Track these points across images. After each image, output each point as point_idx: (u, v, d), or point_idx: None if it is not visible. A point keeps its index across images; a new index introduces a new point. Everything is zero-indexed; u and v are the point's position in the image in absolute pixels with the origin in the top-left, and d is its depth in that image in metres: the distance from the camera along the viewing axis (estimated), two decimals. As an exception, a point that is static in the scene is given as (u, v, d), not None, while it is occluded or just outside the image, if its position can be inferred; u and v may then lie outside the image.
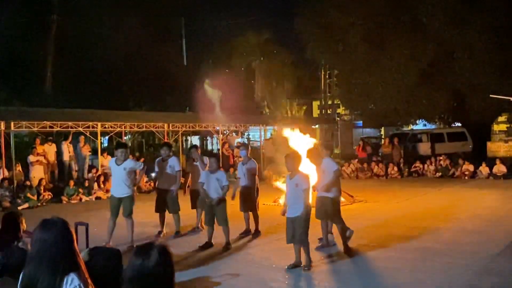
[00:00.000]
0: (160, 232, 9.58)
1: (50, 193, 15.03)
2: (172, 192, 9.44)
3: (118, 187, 8.69)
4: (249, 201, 9.33)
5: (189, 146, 28.14)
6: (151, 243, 2.52)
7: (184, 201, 10.04)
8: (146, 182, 16.96)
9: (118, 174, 8.67)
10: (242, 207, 9.39)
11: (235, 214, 9.53)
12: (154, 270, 2.42)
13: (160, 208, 9.63)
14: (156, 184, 10.12)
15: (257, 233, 9.35)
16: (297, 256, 7.03)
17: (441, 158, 20.15)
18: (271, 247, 8.49)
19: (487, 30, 20.47)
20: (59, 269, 2.57)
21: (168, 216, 9.63)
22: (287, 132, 13.37)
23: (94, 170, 17.14)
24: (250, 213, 9.45)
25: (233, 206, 9.44)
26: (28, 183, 14.84)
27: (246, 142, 25.98)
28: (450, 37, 21.26)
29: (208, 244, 8.49)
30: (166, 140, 18.95)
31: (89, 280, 2.69)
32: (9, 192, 14.04)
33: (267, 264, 7.42)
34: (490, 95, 19.98)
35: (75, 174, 17.61)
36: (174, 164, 9.56)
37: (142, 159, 18.39)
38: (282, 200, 13.07)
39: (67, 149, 17.53)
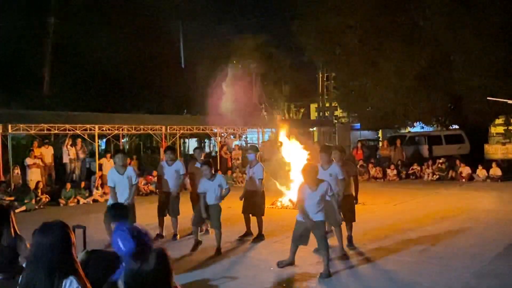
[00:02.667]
0: (158, 235, 9.55)
1: (47, 196, 14.99)
2: (173, 193, 9.42)
3: (122, 196, 8.50)
4: (252, 204, 9.27)
5: (187, 148, 28.24)
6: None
7: (185, 204, 10.03)
8: (144, 184, 16.94)
9: (123, 183, 8.51)
10: (245, 210, 9.37)
11: (236, 217, 9.51)
12: (152, 274, 2.43)
13: (163, 211, 9.60)
14: (161, 187, 9.97)
15: (260, 237, 9.23)
16: (291, 255, 7.21)
17: (440, 160, 20.17)
18: (269, 249, 8.48)
19: (483, 33, 20.54)
20: (56, 273, 2.57)
21: (167, 219, 9.60)
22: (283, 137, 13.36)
23: (97, 181, 17.02)
24: (252, 216, 9.39)
25: (234, 209, 9.45)
26: (25, 186, 14.83)
27: (246, 145, 25.98)
28: (447, 40, 21.34)
29: (197, 242, 8.53)
30: (165, 143, 18.99)
31: (88, 284, 2.69)
32: (7, 195, 14.01)
33: (265, 267, 7.40)
34: (487, 98, 20.03)
35: (75, 177, 17.56)
36: (179, 168, 9.56)
37: (131, 162, 18.42)
38: (279, 203, 13.18)
39: (66, 152, 17.51)
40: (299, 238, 7.11)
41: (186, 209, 10.01)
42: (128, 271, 2.51)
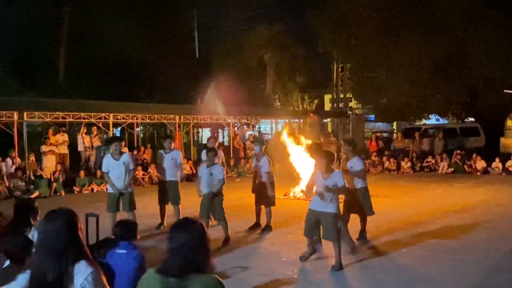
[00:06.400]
0: (160, 224, 9.56)
1: (62, 183, 15.11)
2: (174, 183, 9.49)
3: (117, 182, 8.58)
4: (261, 196, 9.28)
5: (200, 138, 28.30)
6: (190, 219, 2.73)
7: (188, 195, 10.01)
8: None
9: (118, 169, 8.57)
10: (256, 202, 9.39)
11: (248, 207, 9.50)
12: (197, 242, 2.62)
13: (162, 200, 9.64)
14: (160, 176, 10.06)
15: (267, 228, 9.22)
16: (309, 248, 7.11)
17: (453, 153, 19.95)
18: (281, 240, 8.47)
19: (502, 25, 20.21)
20: (66, 259, 2.58)
21: (169, 208, 9.59)
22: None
23: None
24: (263, 208, 9.38)
25: (246, 199, 9.43)
26: (40, 173, 14.99)
27: (259, 136, 25.92)
28: (465, 31, 21.04)
29: None
30: (178, 133, 19.06)
31: (99, 267, 2.69)
32: (22, 182, 14.17)
33: (277, 257, 7.40)
34: (504, 91, 19.76)
35: (90, 165, 17.67)
36: (176, 156, 9.59)
37: (145, 150, 18.52)
38: (292, 194, 13.13)
39: (81, 140, 17.63)
40: (311, 230, 6.94)
41: (188, 200, 9.91)
42: (173, 238, 2.64)
